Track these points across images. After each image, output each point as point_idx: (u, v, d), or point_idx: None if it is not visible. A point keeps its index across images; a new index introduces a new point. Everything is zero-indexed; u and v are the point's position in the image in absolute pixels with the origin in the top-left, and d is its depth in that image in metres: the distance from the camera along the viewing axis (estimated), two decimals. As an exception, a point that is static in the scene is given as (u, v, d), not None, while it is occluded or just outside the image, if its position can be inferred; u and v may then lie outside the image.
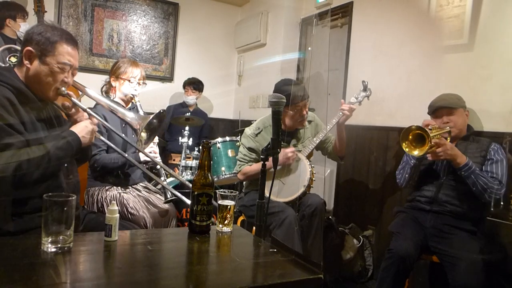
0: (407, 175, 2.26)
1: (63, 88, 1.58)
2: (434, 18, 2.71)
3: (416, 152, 2.01)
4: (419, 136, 2.00)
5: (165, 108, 4.41)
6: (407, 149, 2.03)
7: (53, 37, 1.52)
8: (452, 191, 2.10)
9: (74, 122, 1.67)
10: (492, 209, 2.01)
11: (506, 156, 2.10)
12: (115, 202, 1.36)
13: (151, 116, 1.88)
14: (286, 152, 2.44)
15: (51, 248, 1.08)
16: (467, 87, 2.46)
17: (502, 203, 2.00)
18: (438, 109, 2.20)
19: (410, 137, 2.02)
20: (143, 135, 1.93)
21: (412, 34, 2.91)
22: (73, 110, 1.66)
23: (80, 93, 2.12)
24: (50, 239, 1.09)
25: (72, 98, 1.64)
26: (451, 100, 2.18)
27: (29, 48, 1.51)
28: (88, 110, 1.72)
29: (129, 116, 1.89)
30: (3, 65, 2.03)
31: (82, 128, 1.62)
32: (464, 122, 2.20)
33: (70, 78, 1.60)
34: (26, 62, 1.52)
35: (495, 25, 2.40)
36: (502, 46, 2.35)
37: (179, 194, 1.99)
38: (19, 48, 1.63)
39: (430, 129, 2.07)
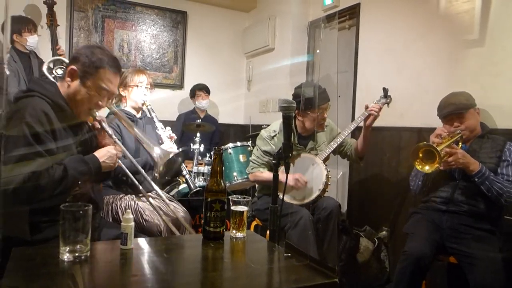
0: (420, 182, 2.25)
1: (95, 111, 1.63)
2: (443, 15, 2.68)
3: (426, 168, 2.01)
4: (429, 151, 1.98)
5: (176, 117, 4.44)
6: (419, 167, 2.03)
7: (99, 62, 1.57)
8: (468, 191, 2.07)
9: (99, 144, 1.72)
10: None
11: None
12: (130, 210, 1.38)
13: (173, 153, 1.92)
14: (293, 178, 2.45)
15: (69, 258, 1.10)
16: (479, 84, 2.43)
17: None
18: (448, 115, 2.16)
19: (420, 154, 2.01)
20: (161, 169, 1.96)
21: (420, 32, 2.88)
22: (101, 132, 1.73)
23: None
24: (68, 248, 1.10)
25: (102, 122, 1.69)
26: (459, 104, 2.12)
27: (74, 67, 1.56)
28: (113, 136, 1.75)
29: (156, 152, 1.92)
30: (49, 76, 2.09)
31: (104, 153, 1.65)
32: (476, 121, 2.16)
33: (104, 102, 1.65)
34: (68, 79, 1.58)
35: (506, 19, 2.37)
36: (513, 42, 2.32)
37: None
38: (66, 61, 1.68)
39: (442, 138, 2.04)
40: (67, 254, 1.10)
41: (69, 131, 1.57)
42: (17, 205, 1.40)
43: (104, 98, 1.63)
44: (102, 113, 2.12)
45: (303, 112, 2.54)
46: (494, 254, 1.84)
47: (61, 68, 2.09)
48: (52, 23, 3.53)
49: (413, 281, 1.96)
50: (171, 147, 2.35)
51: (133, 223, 1.24)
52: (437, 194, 2.18)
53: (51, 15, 3.54)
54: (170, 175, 2.08)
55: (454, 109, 2.13)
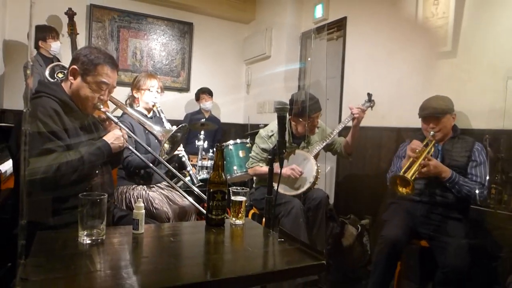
0: None
1: (99, 103, 1.63)
2: (420, 29, 2.69)
3: (404, 190, 1.98)
4: (403, 179, 1.97)
5: (184, 116, 4.44)
6: (401, 190, 1.99)
7: (96, 60, 1.57)
8: (439, 183, 2.08)
9: (107, 131, 1.71)
10: (489, 204, 1.98)
11: (487, 154, 2.06)
12: (141, 199, 1.37)
13: (174, 130, 1.90)
14: (289, 168, 2.48)
15: (87, 241, 1.10)
16: (451, 90, 2.43)
17: (492, 195, 1.98)
18: (427, 116, 2.16)
19: (398, 182, 2.00)
20: (166, 146, 1.95)
21: (400, 43, 2.89)
22: (107, 122, 1.74)
23: (113, 106, 2.16)
24: (86, 232, 1.10)
25: (106, 113, 1.69)
26: (439, 108, 2.12)
27: (75, 66, 1.57)
28: (119, 123, 1.75)
29: (155, 129, 1.90)
30: (52, 80, 2.09)
31: (111, 136, 1.65)
32: (450, 125, 2.16)
33: (106, 95, 1.65)
34: (70, 78, 1.58)
35: (475, 33, 2.37)
36: (482, 53, 2.33)
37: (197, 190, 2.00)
38: (66, 65, 1.67)
39: (416, 152, 2.03)
40: (85, 238, 1.10)
41: (78, 125, 1.56)
42: (44, 192, 1.39)
43: (105, 91, 1.62)
44: (117, 113, 2.13)
45: (296, 119, 2.55)
46: (461, 239, 1.85)
47: (61, 72, 2.09)
48: (73, 32, 3.51)
49: (389, 262, 1.98)
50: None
51: (143, 211, 1.24)
52: (413, 186, 2.18)
53: (72, 25, 3.52)
54: (174, 151, 2.06)
55: (433, 112, 2.13)
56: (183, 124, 1.94)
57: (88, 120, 1.65)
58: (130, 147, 1.86)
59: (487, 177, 2.00)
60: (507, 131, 2.13)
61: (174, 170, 2.10)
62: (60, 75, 2.06)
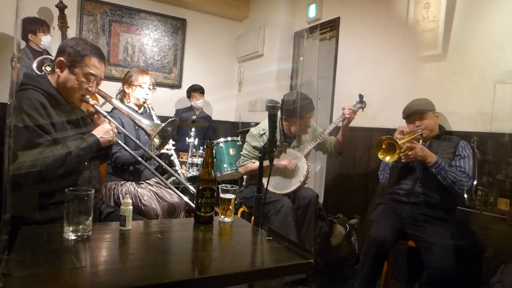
0: (387, 175, 2.28)
1: (87, 96, 1.60)
2: (411, 32, 2.71)
3: (388, 158, 2.04)
4: (391, 144, 2.01)
5: (174, 112, 4.41)
6: (381, 157, 2.06)
7: (83, 51, 1.54)
8: (427, 184, 2.10)
9: (96, 126, 1.69)
10: (467, 202, 2.01)
11: (473, 152, 2.10)
12: (129, 195, 1.36)
13: (163, 124, 1.88)
14: (286, 159, 2.48)
15: (72, 236, 1.08)
16: (440, 92, 2.46)
17: (473, 196, 2.01)
18: (410, 115, 2.21)
19: (383, 146, 2.04)
20: (156, 141, 1.93)
21: (392, 45, 2.90)
22: (95, 116, 1.71)
23: (102, 100, 2.12)
24: (71, 228, 1.09)
25: (95, 105, 1.66)
26: (421, 105, 2.18)
27: (61, 58, 1.54)
28: (108, 116, 1.72)
29: (144, 123, 1.88)
30: (39, 73, 2.04)
31: (101, 130, 1.63)
32: (435, 123, 2.20)
33: (94, 87, 1.62)
34: (57, 70, 1.55)
35: (465, 37, 2.40)
36: (471, 56, 2.36)
37: (188, 185, 1.99)
38: (52, 58, 1.64)
39: (403, 134, 2.08)
40: (71, 233, 1.08)
41: (65, 118, 1.53)
42: (30, 186, 1.37)
43: (93, 83, 1.59)
44: (106, 108, 2.10)
45: (289, 119, 2.55)
46: (447, 239, 1.87)
47: (49, 65, 2.05)
48: (63, 25, 3.45)
49: (376, 262, 1.99)
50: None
51: (131, 207, 1.23)
52: (400, 187, 2.21)
53: (62, 18, 3.46)
54: (164, 146, 2.03)
55: (417, 110, 2.18)
56: (173, 118, 1.91)
57: (76, 114, 1.63)
58: (120, 142, 1.83)
59: (471, 170, 2.04)
60: (494, 134, 2.17)
61: (164, 165, 2.08)
62: (48, 69, 2.02)
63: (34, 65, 2.09)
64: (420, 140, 2.13)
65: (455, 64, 2.44)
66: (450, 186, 2.00)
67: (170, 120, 1.90)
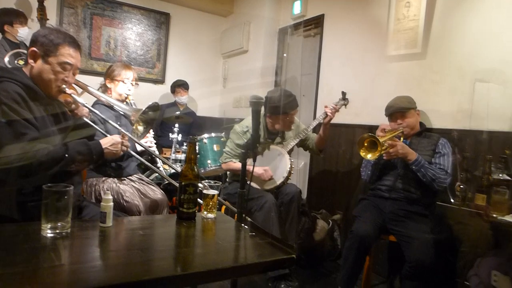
0: (369, 172, 2.31)
1: (64, 86, 1.55)
2: (393, 30, 2.74)
3: (369, 156, 2.07)
4: (373, 142, 2.04)
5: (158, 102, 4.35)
6: (363, 154, 2.09)
7: (57, 40, 1.49)
8: (407, 180, 2.15)
9: (75, 116, 1.64)
10: (451, 198, 2.06)
11: (452, 149, 2.15)
12: (109, 191, 1.33)
13: (144, 108, 1.84)
14: (263, 168, 2.49)
15: (50, 234, 1.06)
16: (421, 90, 2.51)
17: (452, 192, 2.06)
18: (393, 113, 2.24)
19: (365, 143, 2.07)
20: (140, 128, 1.90)
21: (375, 43, 2.94)
22: (73, 105, 1.66)
23: (80, 90, 2.07)
24: (49, 225, 1.06)
25: (73, 95, 1.61)
26: (403, 104, 2.22)
27: (34, 48, 1.48)
28: (86, 104, 1.68)
29: (125, 108, 1.84)
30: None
31: (108, 141, 1.59)
32: (416, 121, 2.25)
33: (70, 77, 1.56)
34: (30, 61, 1.49)
35: (445, 36, 2.45)
36: (450, 55, 2.41)
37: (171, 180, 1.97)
38: (25, 51, 1.59)
39: (385, 132, 2.12)
40: (49, 231, 1.06)
41: (43, 110, 1.48)
42: (17, 181, 1.33)
43: (69, 72, 1.54)
44: (89, 101, 2.06)
45: (273, 116, 2.55)
46: (426, 234, 1.91)
47: (22, 59, 1.99)
48: (42, 17, 3.35)
49: (358, 256, 2.03)
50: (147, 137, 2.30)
51: (112, 203, 1.21)
52: (382, 183, 2.24)
53: (42, 10, 3.35)
54: (148, 131, 2.00)
55: (398, 108, 2.21)
56: (154, 102, 1.87)
57: (55, 107, 1.58)
58: (133, 152, 1.76)
59: (450, 167, 2.09)
60: (473, 131, 2.22)
61: (157, 152, 2.05)
62: (21, 62, 1.96)
63: (6, 59, 2.01)
64: (401, 138, 2.17)
65: (435, 62, 2.49)
66: (429, 183, 2.04)
67: (150, 104, 1.86)
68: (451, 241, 1.99)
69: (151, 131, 2.32)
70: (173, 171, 3.21)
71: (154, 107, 1.88)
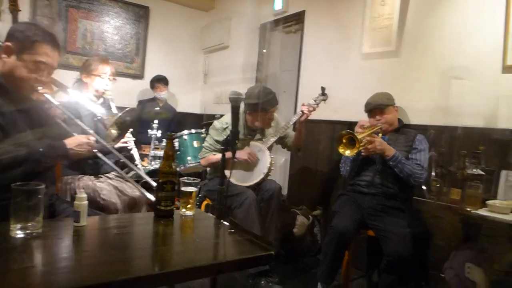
0: (348, 168, 2.34)
1: (37, 85, 1.48)
2: (370, 28, 2.78)
3: (347, 152, 2.10)
4: (351, 138, 2.06)
5: (137, 103, 4.27)
6: (341, 151, 2.11)
7: (34, 37, 1.42)
8: (385, 176, 2.18)
9: (48, 117, 1.58)
10: (426, 193, 2.10)
11: (428, 145, 2.20)
12: (83, 190, 1.29)
13: (120, 114, 1.80)
14: (246, 152, 2.47)
15: (20, 234, 1.02)
16: (398, 87, 2.55)
17: (438, 185, 2.10)
18: (372, 109, 2.27)
19: (344, 140, 2.09)
20: (114, 132, 1.85)
21: (353, 40, 2.97)
22: (46, 105, 1.59)
23: (55, 89, 2.00)
24: (19, 225, 1.02)
25: (46, 95, 1.55)
26: (382, 100, 2.25)
27: (8, 43, 1.41)
28: (60, 106, 1.62)
29: (100, 111, 1.79)
30: None
31: (74, 141, 1.54)
32: (395, 117, 2.29)
33: (45, 77, 1.49)
34: (3, 56, 1.42)
35: (419, 34, 2.50)
36: (426, 53, 2.46)
37: (149, 179, 1.93)
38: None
39: (364, 128, 2.15)
40: (18, 231, 1.01)
41: (12, 107, 1.41)
42: None
43: (43, 72, 1.47)
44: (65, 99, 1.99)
45: (253, 113, 2.54)
46: (403, 228, 1.95)
47: None
48: (14, 8, 3.21)
49: (337, 251, 2.05)
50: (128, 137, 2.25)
51: (86, 202, 1.17)
52: (361, 178, 2.27)
53: (14, 0, 3.22)
54: (122, 137, 1.95)
55: (377, 105, 2.24)
56: (132, 107, 1.84)
57: (26, 105, 1.51)
58: (101, 155, 1.71)
59: (426, 162, 2.13)
60: (449, 128, 2.28)
61: (136, 153, 2.00)
62: None
63: None
64: (380, 134, 2.20)
65: (410, 60, 2.54)
66: (406, 178, 2.09)
67: (127, 109, 1.82)
68: (427, 235, 2.04)
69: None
70: (152, 168, 3.16)
71: (131, 113, 1.83)
